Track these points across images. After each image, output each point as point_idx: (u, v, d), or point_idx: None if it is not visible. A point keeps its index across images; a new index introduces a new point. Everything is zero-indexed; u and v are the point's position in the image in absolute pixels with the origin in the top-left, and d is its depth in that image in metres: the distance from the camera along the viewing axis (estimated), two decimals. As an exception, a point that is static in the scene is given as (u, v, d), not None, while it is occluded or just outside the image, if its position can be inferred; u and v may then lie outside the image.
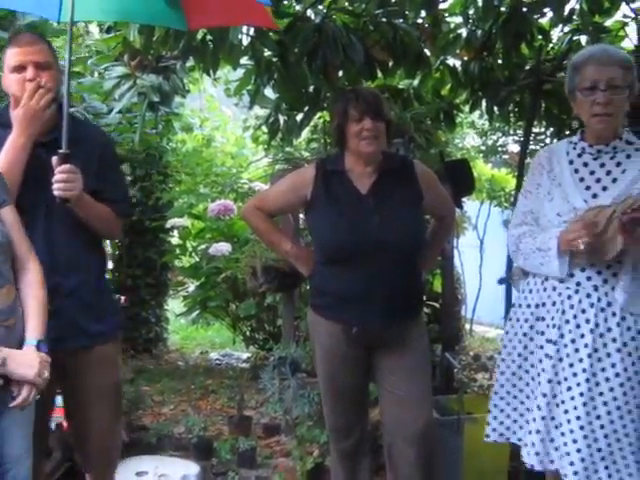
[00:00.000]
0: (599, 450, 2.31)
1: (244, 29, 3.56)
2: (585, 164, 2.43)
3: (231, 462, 3.72)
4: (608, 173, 2.38)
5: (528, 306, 2.53)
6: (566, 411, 2.36)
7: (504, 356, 2.62)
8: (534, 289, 2.52)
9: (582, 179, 2.41)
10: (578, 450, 2.32)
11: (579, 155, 2.45)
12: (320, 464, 3.44)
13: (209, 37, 3.44)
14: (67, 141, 2.25)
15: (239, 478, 3.49)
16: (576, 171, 2.43)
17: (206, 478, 3.58)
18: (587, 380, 2.33)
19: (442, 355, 3.71)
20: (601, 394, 2.32)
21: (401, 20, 3.81)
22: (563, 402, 2.37)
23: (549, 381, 2.40)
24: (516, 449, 2.75)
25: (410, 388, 2.72)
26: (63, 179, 2.22)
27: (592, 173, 2.41)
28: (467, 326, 7.79)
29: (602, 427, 2.32)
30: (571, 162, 2.46)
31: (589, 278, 2.35)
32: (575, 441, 2.33)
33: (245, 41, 3.59)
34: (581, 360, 2.34)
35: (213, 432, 4.29)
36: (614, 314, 2.33)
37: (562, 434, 2.37)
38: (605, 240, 2.25)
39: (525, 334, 2.53)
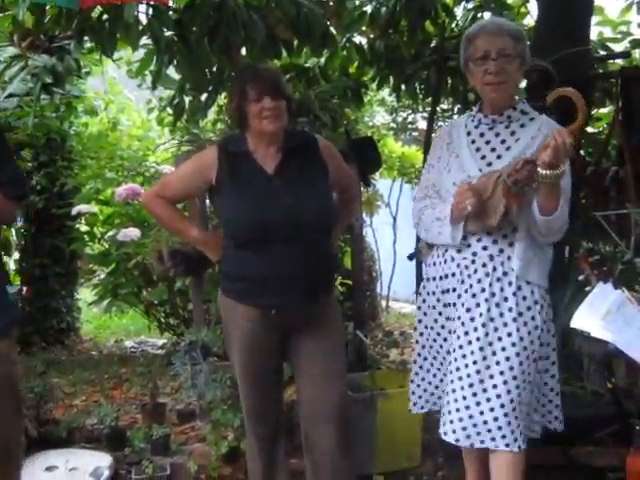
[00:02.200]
0: (496, 419, 2.34)
1: (142, 8, 3.47)
2: (481, 134, 2.48)
3: (145, 451, 3.64)
4: (503, 142, 2.44)
5: (434, 279, 2.57)
6: (460, 378, 2.40)
7: (421, 329, 2.66)
8: (437, 261, 2.55)
9: (478, 149, 2.47)
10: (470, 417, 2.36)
11: (476, 126, 2.51)
12: (235, 448, 3.41)
13: (105, 16, 3.34)
14: None
15: (153, 466, 3.41)
16: (473, 142, 2.49)
17: (119, 468, 3.51)
18: (481, 349, 2.37)
19: (354, 332, 3.73)
20: (498, 363, 2.36)
21: (304, -3, 3.77)
22: (458, 369, 2.40)
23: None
24: (430, 421, 2.79)
25: (329, 366, 2.72)
26: None
27: (488, 142, 2.46)
28: (383, 302, 7.91)
29: (498, 397, 2.34)
30: (469, 133, 2.51)
31: (485, 248, 2.40)
32: (468, 407, 2.37)
33: (145, 21, 3.49)
34: (475, 329, 2.39)
35: (127, 421, 4.20)
36: (510, 284, 2.38)
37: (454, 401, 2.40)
38: (492, 204, 2.30)
39: (434, 307, 2.58)
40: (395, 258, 7.58)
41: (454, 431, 2.38)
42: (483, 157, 2.45)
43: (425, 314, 2.63)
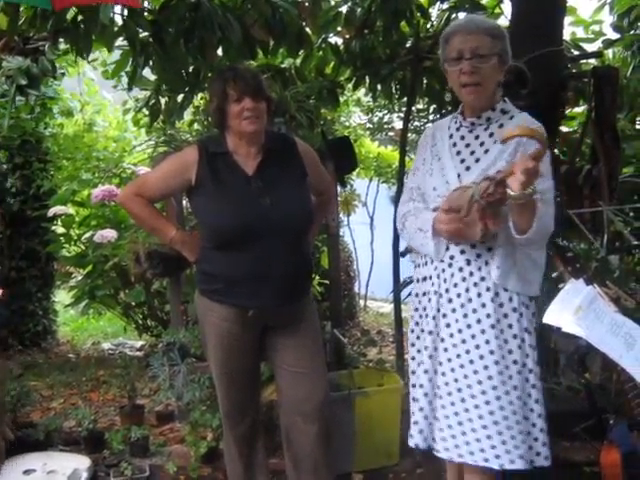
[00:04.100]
0: (473, 430, 2.27)
1: (117, 9, 3.46)
2: (462, 137, 2.40)
3: (124, 452, 3.64)
4: (482, 144, 2.34)
5: (417, 280, 2.49)
6: (438, 386, 2.33)
7: (412, 341, 2.52)
8: (421, 263, 2.47)
9: (459, 152, 2.38)
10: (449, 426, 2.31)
11: (457, 129, 2.43)
12: (214, 448, 3.42)
13: (80, 17, 3.32)
14: None
15: (132, 468, 3.40)
16: (454, 144, 2.40)
17: (98, 471, 3.50)
18: (458, 356, 2.29)
19: (332, 332, 3.74)
20: (475, 372, 2.27)
21: (280, -2, 3.78)
22: (444, 374, 2.33)
23: (430, 357, 2.35)
24: (408, 420, 2.74)
25: (309, 364, 2.74)
26: None
27: (467, 146, 2.37)
28: (361, 302, 7.93)
29: (477, 407, 2.26)
30: (451, 136, 2.43)
31: (462, 252, 2.31)
32: (447, 417, 2.31)
33: (120, 22, 3.48)
34: (452, 335, 2.31)
35: (105, 423, 4.19)
36: (488, 289, 2.28)
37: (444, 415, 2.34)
38: (470, 222, 2.17)
39: (417, 309, 2.48)
40: (373, 257, 7.61)
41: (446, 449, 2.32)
42: (462, 161, 2.36)
43: (412, 316, 2.51)
